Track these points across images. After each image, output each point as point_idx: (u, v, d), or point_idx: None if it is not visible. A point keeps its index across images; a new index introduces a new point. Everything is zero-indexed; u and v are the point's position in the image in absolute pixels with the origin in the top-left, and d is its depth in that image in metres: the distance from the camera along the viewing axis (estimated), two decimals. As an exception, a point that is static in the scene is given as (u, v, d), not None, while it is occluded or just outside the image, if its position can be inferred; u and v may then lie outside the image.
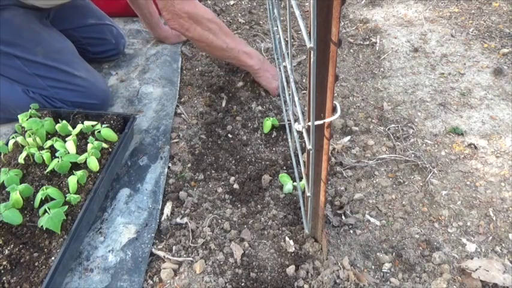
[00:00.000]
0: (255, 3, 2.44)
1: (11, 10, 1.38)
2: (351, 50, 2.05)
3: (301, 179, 1.13)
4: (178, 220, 1.22)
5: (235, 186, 1.34)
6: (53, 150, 1.27)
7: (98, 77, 1.59)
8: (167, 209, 1.25)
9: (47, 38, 1.47)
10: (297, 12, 0.63)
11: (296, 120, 1.40)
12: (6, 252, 1.05)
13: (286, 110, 1.52)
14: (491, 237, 1.19)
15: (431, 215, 1.26)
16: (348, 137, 1.53)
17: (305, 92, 1.75)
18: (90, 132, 1.36)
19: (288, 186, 1.30)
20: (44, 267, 1.03)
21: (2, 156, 1.31)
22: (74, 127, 1.36)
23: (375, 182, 1.37)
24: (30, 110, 1.37)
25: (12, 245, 1.06)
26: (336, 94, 1.76)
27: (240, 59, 1.59)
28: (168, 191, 1.33)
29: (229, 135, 1.53)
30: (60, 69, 1.47)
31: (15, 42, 1.40)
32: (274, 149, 1.49)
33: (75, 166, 1.25)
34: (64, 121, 1.36)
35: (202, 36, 1.47)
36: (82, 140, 1.35)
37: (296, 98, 0.81)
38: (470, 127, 1.57)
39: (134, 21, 2.17)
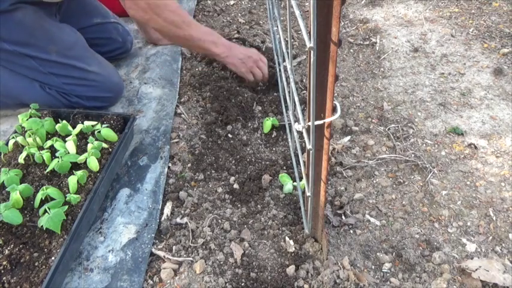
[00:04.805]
0: (255, 3, 2.44)
1: (22, 10, 1.39)
2: (351, 50, 2.05)
3: (301, 179, 1.13)
4: (178, 220, 1.22)
5: (235, 186, 1.34)
6: (53, 150, 1.27)
7: (110, 70, 1.61)
8: (167, 209, 1.25)
9: (58, 34, 1.49)
10: (297, 12, 0.63)
11: (296, 120, 1.40)
12: (6, 252, 1.05)
13: (286, 110, 1.52)
14: (491, 237, 1.19)
15: (431, 215, 1.26)
16: (348, 137, 1.53)
17: (305, 92, 1.75)
18: (90, 132, 1.36)
19: (288, 186, 1.30)
20: (44, 267, 1.03)
21: (2, 156, 1.31)
22: (74, 127, 1.36)
23: (375, 182, 1.37)
24: (30, 110, 1.38)
25: (12, 245, 1.06)
26: (336, 94, 1.76)
27: (205, 49, 1.59)
28: (168, 191, 1.32)
29: (229, 135, 1.53)
30: (73, 65, 1.49)
31: (29, 42, 1.41)
32: (274, 149, 1.49)
33: (75, 166, 1.25)
34: (64, 121, 1.36)
35: (164, 28, 1.48)
36: (82, 140, 1.35)
37: (296, 98, 0.81)
38: (470, 127, 1.57)
39: (134, 21, 2.17)
